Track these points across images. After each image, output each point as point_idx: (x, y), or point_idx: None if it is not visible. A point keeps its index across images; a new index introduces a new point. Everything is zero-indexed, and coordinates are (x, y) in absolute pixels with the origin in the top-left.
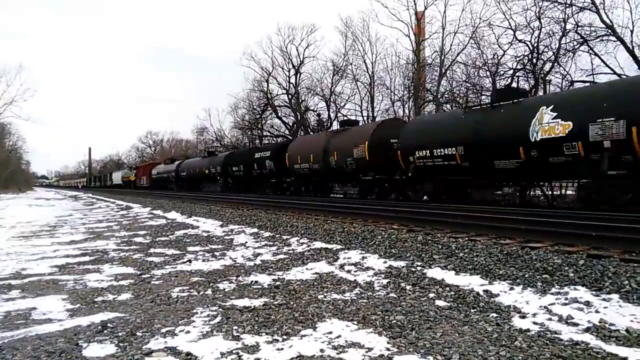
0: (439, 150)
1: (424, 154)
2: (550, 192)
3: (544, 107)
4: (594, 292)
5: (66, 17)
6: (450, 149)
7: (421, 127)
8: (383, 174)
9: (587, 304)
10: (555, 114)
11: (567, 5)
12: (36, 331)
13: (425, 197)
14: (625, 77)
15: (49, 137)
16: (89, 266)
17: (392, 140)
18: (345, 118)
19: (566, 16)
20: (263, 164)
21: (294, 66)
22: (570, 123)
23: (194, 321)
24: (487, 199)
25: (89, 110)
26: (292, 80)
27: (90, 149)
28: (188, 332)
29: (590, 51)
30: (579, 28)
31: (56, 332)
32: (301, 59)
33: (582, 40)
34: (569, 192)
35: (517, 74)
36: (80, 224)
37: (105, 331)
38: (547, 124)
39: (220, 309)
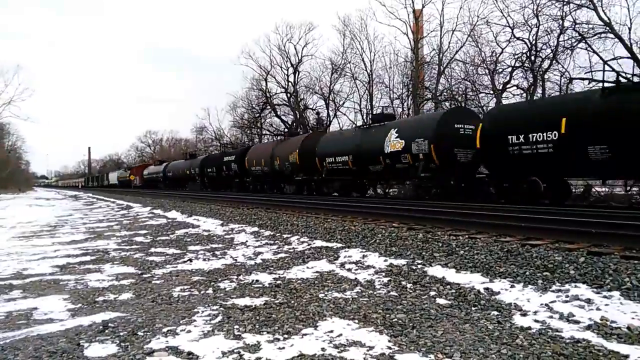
0: (339, 157)
1: (332, 160)
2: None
3: (393, 130)
4: (594, 290)
5: (66, 17)
6: (345, 156)
7: (331, 139)
8: (309, 175)
9: (588, 301)
10: (397, 135)
11: (564, 2)
12: (38, 331)
13: (335, 193)
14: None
15: (48, 137)
16: (90, 266)
17: (315, 149)
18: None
19: (564, 13)
20: (230, 166)
21: (292, 65)
22: (403, 141)
23: (195, 320)
24: (364, 194)
25: (88, 110)
26: (291, 78)
27: (89, 148)
28: (189, 331)
29: (589, 48)
30: (577, 25)
31: (57, 332)
32: (299, 58)
33: (580, 37)
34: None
35: (515, 72)
36: (81, 223)
37: (106, 331)
38: (393, 141)
39: (221, 308)
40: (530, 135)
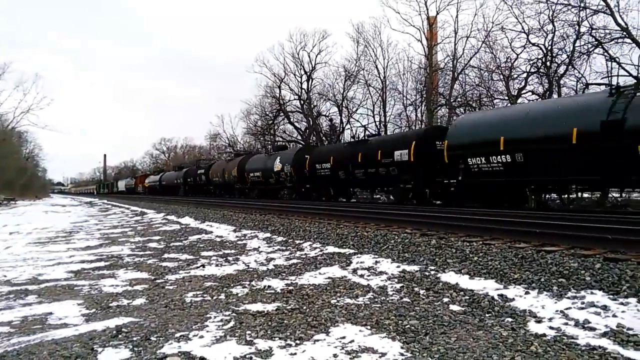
0: (256, 173)
1: (252, 174)
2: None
3: (277, 157)
4: (611, 296)
5: (82, 24)
6: (258, 172)
7: (253, 160)
8: (242, 185)
9: (604, 308)
10: (280, 160)
11: (581, 8)
12: (52, 336)
13: (254, 197)
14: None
15: (65, 145)
16: (104, 271)
17: (245, 166)
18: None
19: (580, 19)
20: (201, 177)
21: (305, 72)
22: (281, 165)
23: (207, 326)
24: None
25: (105, 117)
26: (304, 86)
27: (105, 156)
28: (202, 336)
29: (605, 54)
30: (594, 31)
31: (72, 337)
32: (313, 65)
33: (596, 42)
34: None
35: (530, 77)
36: (96, 229)
37: (120, 336)
38: (277, 164)
39: (234, 314)
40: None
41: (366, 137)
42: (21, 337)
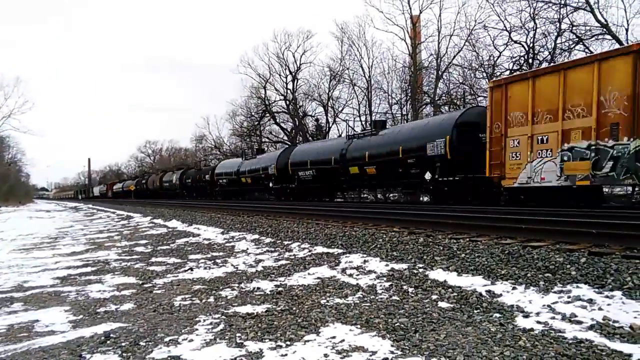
0: (227, 177)
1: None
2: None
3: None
4: (596, 290)
5: (62, 27)
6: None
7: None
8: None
9: (590, 301)
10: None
11: (561, 5)
12: (39, 344)
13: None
14: None
15: (48, 149)
16: (91, 277)
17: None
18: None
19: (561, 16)
20: (146, 184)
21: (291, 72)
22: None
23: (196, 329)
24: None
25: (88, 121)
26: (290, 86)
27: (89, 160)
28: (191, 340)
29: (586, 50)
30: (574, 27)
31: (59, 344)
32: (298, 65)
33: (577, 39)
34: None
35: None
36: (81, 235)
37: (108, 342)
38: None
39: (223, 317)
40: None
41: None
42: (7, 345)
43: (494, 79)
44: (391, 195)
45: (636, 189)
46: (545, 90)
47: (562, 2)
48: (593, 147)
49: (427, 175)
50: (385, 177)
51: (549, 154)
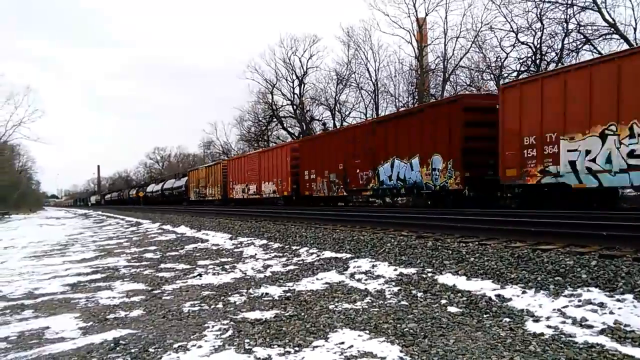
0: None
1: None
2: None
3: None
4: (607, 293)
5: (68, 34)
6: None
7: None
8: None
9: (601, 305)
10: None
11: (568, 5)
12: (49, 350)
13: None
14: None
15: (58, 157)
16: (101, 284)
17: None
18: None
19: (568, 16)
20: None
21: (297, 77)
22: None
23: (205, 335)
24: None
25: (97, 129)
26: (297, 91)
27: (98, 167)
28: (200, 346)
29: (594, 50)
30: (582, 28)
31: (69, 351)
32: (305, 70)
33: (585, 39)
34: None
35: (520, 76)
36: (91, 241)
37: (117, 348)
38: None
39: (232, 322)
40: None
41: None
42: (18, 352)
43: None
44: (399, 199)
45: None
46: None
47: (569, 2)
48: None
49: None
50: None
51: None
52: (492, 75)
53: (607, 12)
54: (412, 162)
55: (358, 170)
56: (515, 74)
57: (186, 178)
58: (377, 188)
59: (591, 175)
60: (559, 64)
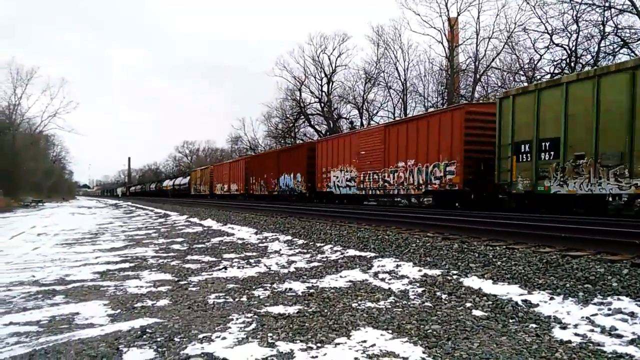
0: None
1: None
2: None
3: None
4: (638, 303)
5: (105, 31)
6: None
7: (196, 176)
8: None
9: (632, 314)
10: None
11: (605, 8)
12: (79, 335)
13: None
14: None
15: (91, 148)
16: (129, 272)
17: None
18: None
19: (605, 19)
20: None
21: (326, 75)
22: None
23: (229, 327)
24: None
25: (129, 121)
26: (325, 88)
27: (129, 159)
28: (224, 338)
29: (632, 54)
30: (619, 31)
31: (98, 337)
32: (333, 68)
33: (622, 42)
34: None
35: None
36: (120, 231)
37: (144, 336)
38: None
39: (255, 316)
40: None
41: None
42: (49, 336)
43: None
44: (425, 200)
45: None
46: None
47: (607, 4)
48: None
49: None
50: None
51: None
52: (524, 77)
53: None
54: (287, 176)
55: (271, 179)
56: (548, 76)
57: (189, 177)
58: (278, 190)
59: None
60: (595, 67)
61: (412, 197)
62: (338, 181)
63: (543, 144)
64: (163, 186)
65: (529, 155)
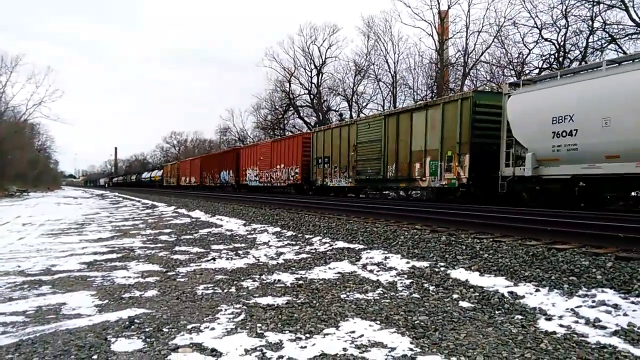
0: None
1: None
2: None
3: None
4: (622, 295)
5: (89, 18)
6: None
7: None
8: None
9: (615, 306)
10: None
11: (594, 3)
12: (66, 326)
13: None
14: None
15: (77, 137)
16: (116, 263)
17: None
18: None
19: (594, 14)
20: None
21: (315, 66)
22: None
23: (218, 318)
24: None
25: (116, 110)
26: (314, 80)
27: (116, 149)
28: (213, 328)
29: (619, 49)
30: (607, 26)
31: (85, 327)
32: (323, 59)
33: (610, 38)
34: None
35: (543, 73)
36: (107, 222)
37: (132, 327)
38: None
39: (244, 307)
40: None
41: None
42: (36, 326)
43: None
44: (413, 192)
45: None
46: None
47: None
48: None
49: None
50: None
51: None
52: (513, 72)
53: (635, 11)
54: (225, 172)
55: (216, 174)
56: (537, 71)
57: (162, 170)
58: (219, 182)
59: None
60: (583, 62)
61: (281, 187)
62: (250, 176)
63: (324, 158)
64: (142, 178)
65: (321, 164)
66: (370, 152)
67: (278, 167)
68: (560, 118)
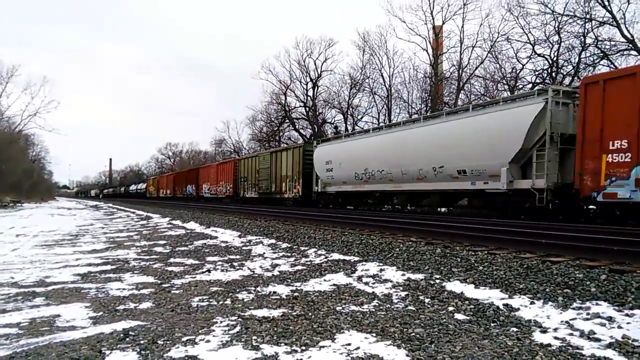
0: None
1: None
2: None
3: None
4: (616, 308)
5: (85, 25)
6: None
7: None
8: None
9: (610, 319)
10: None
11: (586, 20)
12: (60, 338)
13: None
14: None
15: (72, 148)
16: (111, 275)
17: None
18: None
19: (586, 31)
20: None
21: (311, 79)
22: None
23: (213, 330)
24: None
25: (111, 121)
26: (310, 93)
27: (110, 160)
28: (208, 341)
29: (611, 65)
30: (599, 42)
31: (80, 339)
32: (319, 72)
33: (602, 54)
34: None
35: (535, 88)
36: (101, 233)
37: (127, 339)
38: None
39: (240, 319)
40: None
41: None
42: (30, 338)
43: None
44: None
45: None
46: None
47: (588, 16)
48: None
49: None
50: None
51: None
52: (506, 86)
53: (626, 27)
54: (190, 186)
55: (184, 187)
56: (530, 85)
57: (146, 183)
58: (186, 194)
59: None
60: (575, 78)
61: (222, 198)
62: (205, 189)
63: (244, 178)
64: (130, 190)
65: (243, 182)
66: (264, 175)
67: (221, 183)
68: (328, 161)
